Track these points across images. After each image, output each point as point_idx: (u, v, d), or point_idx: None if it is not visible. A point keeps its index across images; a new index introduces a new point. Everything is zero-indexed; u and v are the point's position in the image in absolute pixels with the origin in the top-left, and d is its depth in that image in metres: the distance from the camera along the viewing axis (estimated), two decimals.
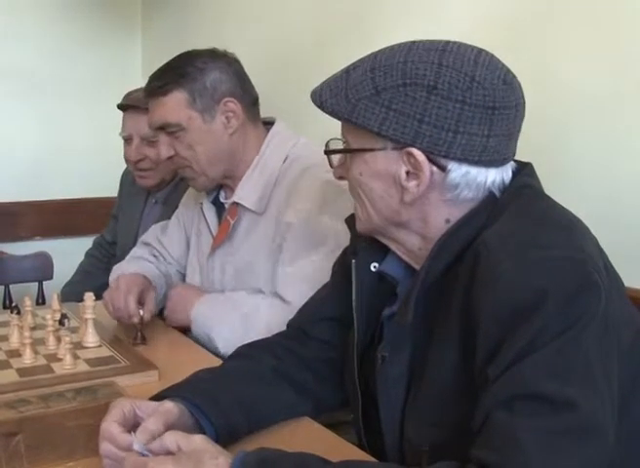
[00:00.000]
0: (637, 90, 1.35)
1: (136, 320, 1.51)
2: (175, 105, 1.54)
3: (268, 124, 1.66)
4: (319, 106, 0.95)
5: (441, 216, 0.94)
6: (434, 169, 0.90)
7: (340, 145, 1.00)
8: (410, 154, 0.89)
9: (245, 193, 1.58)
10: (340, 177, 1.02)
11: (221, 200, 1.68)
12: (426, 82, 0.87)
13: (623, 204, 1.38)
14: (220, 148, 1.57)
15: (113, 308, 1.54)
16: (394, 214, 0.96)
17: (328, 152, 1.02)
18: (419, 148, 0.89)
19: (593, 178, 1.43)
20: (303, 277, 1.44)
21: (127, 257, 1.81)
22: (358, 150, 0.94)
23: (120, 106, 2.08)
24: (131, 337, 1.52)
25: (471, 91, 0.87)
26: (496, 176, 0.92)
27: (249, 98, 1.60)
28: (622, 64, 1.37)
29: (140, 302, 1.52)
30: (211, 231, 1.67)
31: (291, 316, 1.28)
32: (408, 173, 0.91)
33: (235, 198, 1.59)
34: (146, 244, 1.84)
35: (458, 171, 0.90)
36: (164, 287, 1.69)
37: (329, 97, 0.94)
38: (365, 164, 0.94)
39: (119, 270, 1.71)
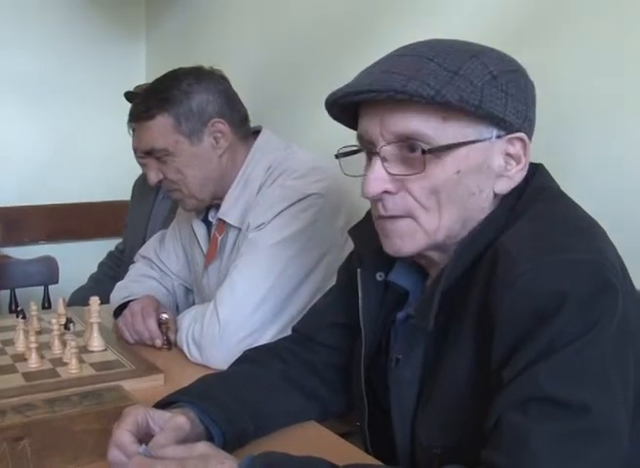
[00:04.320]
0: None
1: (159, 342, 1.51)
2: (160, 130, 1.50)
3: (258, 133, 1.62)
4: (432, 96, 0.82)
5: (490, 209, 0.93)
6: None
7: (402, 152, 0.87)
8: (517, 139, 0.89)
9: (228, 209, 1.56)
10: (385, 192, 0.89)
11: (210, 219, 1.65)
12: (517, 67, 0.91)
13: (629, 204, 1.37)
14: (209, 170, 1.54)
15: (134, 332, 1.53)
16: (479, 212, 0.91)
17: (424, 152, 0.85)
18: (524, 132, 0.89)
19: (598, 178, 1.42)
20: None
21: (130, 274, 1.78)
22: (459, 144, 0.86)
23: (127, 95, 2.09)
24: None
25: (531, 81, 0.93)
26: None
27: (237, 117, 1.57)
28: (626, 64, 1.37)
29: (160, 322, 1.52)
30: (202, 249, 1.66)
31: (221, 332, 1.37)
32: (505, 161, 0.90)
33: (220, 214, 1.57)
34: (145, 257, 1.82)
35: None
36: (172, 306, 1.70)
37: (442, 85, 0.83)
38: (465, 159, 0.87)
39: (125, 290, 1.68)
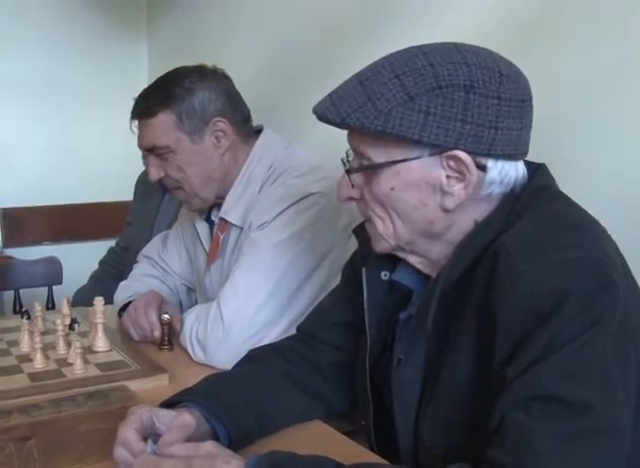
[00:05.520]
0: None
1: (157, 334, 1.51)
2: (162, 127, 1.51)
3: (259, 132, 1.63)
4: (338, 123, 0.89)
5: (470, 218, 0.92)
6: (475, 169, 0.88)
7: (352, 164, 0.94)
8: (454, 157, 0.87)
9: (230, 208, 1.56)
10: (349, 199, 0.97)
11: (212, 218, 1.65)
12: (462, 82, 0.85)
13: (630, 204, 1.37)
14: (211, 168, 1.54)
15: (137, 326, 1.54)
16: (428, 224, 0.93)
17: (349, 171, 0.95)
18: (462, 149, 0.87)
19: (600, 177, 1.42)
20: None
21: (133, 275, 1.79)
22: (388, 163, 0.90)
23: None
24: (157, 343, 1.53)
25: (503, 86, 0.87)
26: (520, 169, 0.93)
27: (239, 116, 1.57)
28: (627, 63, 1.37)
29: (161, 322, 1.52)
30: (204, 248, 1.66)
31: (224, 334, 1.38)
32: (448, 177, 0.89)
33: (221, 213, 1.58)
34: (148, 257, 1.82)
35: (495, 168, 0.89)
36: (176, 304, 1.71)
37: (351, 111, 0.88)
38: (397, 177, 0.90)
39: (128, 290, 1.69)
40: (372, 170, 0.92)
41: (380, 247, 0.98)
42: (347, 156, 0.97)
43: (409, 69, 0.87)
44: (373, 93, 0.87)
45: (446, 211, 0.91)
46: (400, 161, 0.89)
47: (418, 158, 0.88)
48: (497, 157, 0.88)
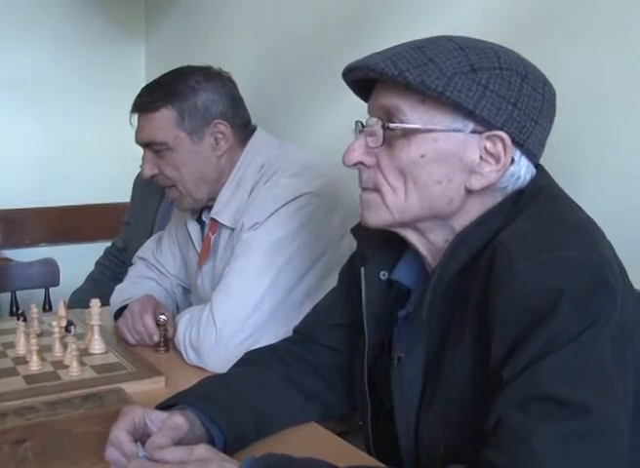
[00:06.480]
0: None
1: (156, 338, 1.51)
2: (162, 123, 1.50)
3: (253, 132, 1.63)
4: (394, 76, 0.86)
5: (478, 209, 0.92)
6: (510, 156, 0.89)
7: (377, 126, 0.91)
8: (495, 138, 0.88)
9: (221, 209, 1.56)
10: (359, 163, 0.94)
11: (204, 218, 1.65)
12: (520, 70, 0.89)
13: (629, 204, 1.37)
14: (206, 170, 1.54)
15: (135, 332, 1.53)
16: (445, 203, 0.91)
17: (387, 128, 0.90)
18: (506, 133, 0.88)
19: (601, 177, 1.42)
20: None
21: (128, 277, 1.79)
22: (429, 129, 0.89)
23: None
24: (154, 345, 1.52)
25: (546, 87, 0.91)
26: (533, 172, 0.93)
27: (240, 121, 1.57)
28: (628, 63, 1.37)
29: (158, 324, 1.52)
30: (196, 248, 1.66)
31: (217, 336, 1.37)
32: (481, 157, 0.89)
33: (212, 214, 1.57)
34: (143, 259, 1.82)
35: (519, 162, 0.90)
36: (172, 306, 1.71)
37: (411, 67, 0.86)
38: (432, 144, 0.89)
39: (124, 293, 1.68)
40: (405, 133, 0.90)
41: (378, 220, 0.95)
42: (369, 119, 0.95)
43: (472, 45, 0.90)
44: (436, 56, 0.88)
45: (468, 191, 0.91)
46: (442, 129, 0.89)
47: (459, 131, 0.88)
48: (524, 151, 0.90)
